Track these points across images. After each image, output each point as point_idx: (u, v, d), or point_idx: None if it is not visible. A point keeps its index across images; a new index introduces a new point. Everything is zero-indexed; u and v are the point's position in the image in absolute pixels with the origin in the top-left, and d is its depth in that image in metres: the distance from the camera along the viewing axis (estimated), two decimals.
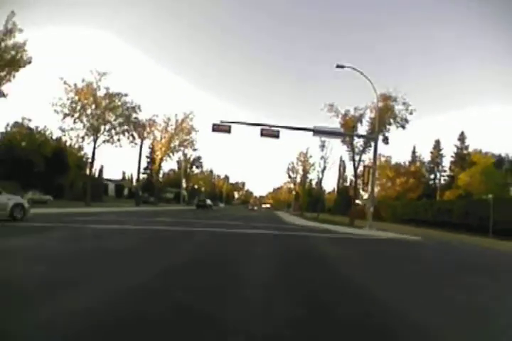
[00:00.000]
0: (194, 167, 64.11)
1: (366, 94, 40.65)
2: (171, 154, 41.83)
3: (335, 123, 27.64)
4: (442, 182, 57.41)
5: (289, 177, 72.29)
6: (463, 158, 52.40)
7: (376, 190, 49.01)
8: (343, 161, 65.36)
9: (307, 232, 14.72)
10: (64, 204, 27.29)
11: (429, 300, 4.11)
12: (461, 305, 4.01)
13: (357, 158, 29.16)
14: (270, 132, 19.78)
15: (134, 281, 3.96)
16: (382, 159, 49.55)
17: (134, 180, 66.58)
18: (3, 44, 19.27)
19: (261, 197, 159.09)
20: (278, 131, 20.10)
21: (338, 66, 20.28)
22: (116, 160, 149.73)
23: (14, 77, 21.53)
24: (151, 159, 49.58)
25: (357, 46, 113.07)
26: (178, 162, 49.17)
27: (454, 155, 55.94)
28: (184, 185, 69.26)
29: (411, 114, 25.80)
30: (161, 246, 7.74)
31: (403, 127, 27.44)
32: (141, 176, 67.22)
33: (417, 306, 3.76)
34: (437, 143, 59.09)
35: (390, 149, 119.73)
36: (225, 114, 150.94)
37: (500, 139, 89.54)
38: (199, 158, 58.85)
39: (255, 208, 72.69)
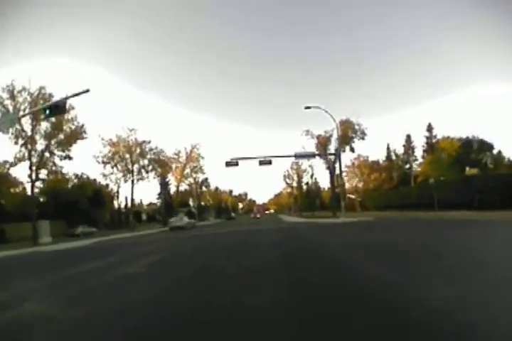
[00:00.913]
0: (203, 187, 72.61)
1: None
2: (184, 179, 50.34)
3: (311, 144, 36.58)
4: (419, 170, 66.44)
5: (286, 183, 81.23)
6: (432, 147, 61.43)
7: (355, 184, 57.92)
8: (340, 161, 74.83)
9: (297, 225, 23.16)
10: (111, 233, 35.33)
11: (319, 234, 12.57)
12: (326, 234, 12.47)
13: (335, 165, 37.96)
14: (265, 162, 28.35)
15: (223, 244, 12.33)
16: (361, 159, 58.57)
17: (153, 205, 75.03)
18: (66, 128, 27.46)
19: (264, 204, 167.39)
20: (270, 160, 28.69)
21: (306, 107, 28.80)
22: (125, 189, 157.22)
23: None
24: (165, 185, 57.95)
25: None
26: (189, 185, 57.43)
27: (424, 145, 65.10)
28: (192, 203, 77.76)
29: (363, 135, 34.79)
30: (225, 238, 16.04)
31: (363, 138, 36.36)
32: (157, 201, 75.94)
33: (315, 235, 12.22)
34: (408, 137, 68.04)
35: (369, 148, 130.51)
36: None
37: (467, 123, 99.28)
38: (206, 179, 67.31)
39: (258, 216, 68.82)
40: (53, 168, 27.10)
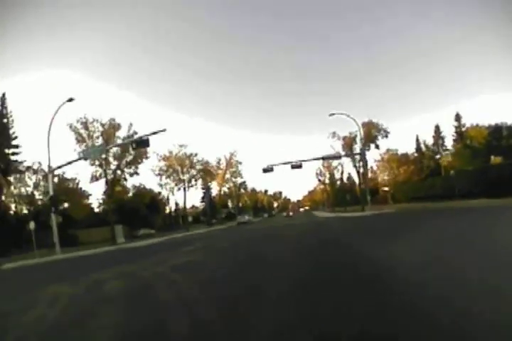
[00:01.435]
0: (241, 189, 78.10)
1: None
2: (225, 184, 55.90)
3: (338, 144, 40.28)
4: (450, 160, 67.19)
5: (319, 180, 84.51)
6: (462, 136, 62.28)
7: (387, 178, 60.31)
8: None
9: (325, 219, 27.30)
10: (169, 233, 41.18)
11: (336, 223, 16.74)
12: (341, 223, 16.60)
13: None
14: (296, 165, 32.57)
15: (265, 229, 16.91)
16: (390, 153, 60.94)
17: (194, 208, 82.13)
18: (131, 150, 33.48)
19: (298, 201, 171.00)
20: (301, 164, 32.88)
21: (330, 114, 32.51)
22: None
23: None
24: (208, 191, 63.94)
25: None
26: (229, 188, 62.95)
27: (454, 134, 65.86)
28: (230, 204, 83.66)
29: (386, 134, 37.95)
30: (271, 228, 20.63)
31: (386, 136, 39.49)
32: (199, 204, 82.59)
33: (332, 224, 16.42)
34: (437, 127, 69.10)
35: (398, 141, 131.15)
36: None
37: (496, 110, 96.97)
38: (244, 182, 72.68)
39: (291, 214, 69.58)
40: (124, 183, 33.23)
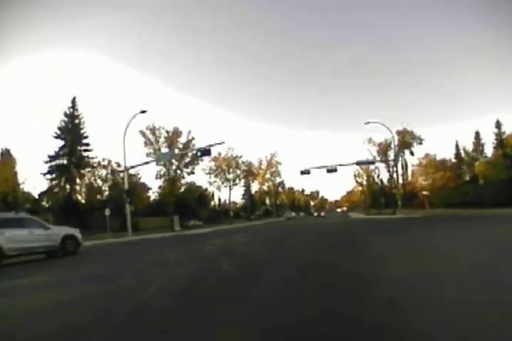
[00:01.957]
0: (279, 188, 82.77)
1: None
2: (265, 183, 60.80)
3: (373, 149, 43.29)
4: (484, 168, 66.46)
5: (356, 182, 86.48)
6: (502, 143, 61.71)
7: (424, 183, 61.57)
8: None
9: (355, 220, 30.86)
10: (215, 225, 46.78)
11: (362, 224, 20.52)
12: (366, 223, 20.32)
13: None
14: (332, 169, 36.24)
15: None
16: (428, 158, 62.08)
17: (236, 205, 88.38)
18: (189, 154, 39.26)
19: (336, 201, 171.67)
20: (336, 168, 36.47)
21: (366, 123, 35.77)
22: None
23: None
24: (249, 189, 69.23)
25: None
26: (268, 187, 67.73)
27: (494, 141, 65.19)
28: (268, 202, 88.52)
29: (420, 141, 40.36)
30: (307, 223, 24.83)
31: (421, 143, 41.89)
32: (239, 201, 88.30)
33: (359, 224, 20.24)
34: (477, 134, 68.54)
35: (437, 146, 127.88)
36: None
37: None
38: (282, 181, 77.20)
39: (322, 214, 65.59)
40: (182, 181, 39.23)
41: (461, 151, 68.24)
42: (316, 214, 67.03)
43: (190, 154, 38.79)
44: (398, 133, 39.61)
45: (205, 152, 24.71)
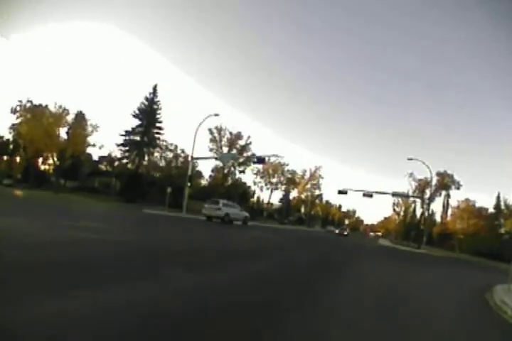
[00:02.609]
0: (316, 200, 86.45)
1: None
2: (304, 192, 65.20)
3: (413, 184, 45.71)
4: None
5: (394, 210, 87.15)
6: None
7: (459, 226, 61.73)
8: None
9: (379, 246, 34.12)
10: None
11: (380, 251, 24.36)
12: (384, 251, 24.11)
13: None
14: (368, 195, 39.65)
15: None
16: (468, 203, 62.02)
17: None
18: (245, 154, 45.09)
19: (372, 225, 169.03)
20: (372, 194, 39.81)
21: (408, 159, 38.75)
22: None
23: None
24: (287, 194, 73.93)
25: None
26: (306, 196, 71.92)
27: None
28: (303, 210, 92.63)
29: (458, 186, 42.19)
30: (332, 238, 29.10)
31: (458, 188, 43.63)
32: (276, 204, 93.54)
33: (378, 250, 24.15)
34: None
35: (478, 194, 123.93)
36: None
37: None
38: (321, 194, 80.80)
39: (345, 233, 58.12)
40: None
41: (502, 203, 67.00)
42: (337, 231, 59.79)
43: (244, 155, 44.66)
44: (438, 174, 41.76)
45: (260, 160, 30.03)
